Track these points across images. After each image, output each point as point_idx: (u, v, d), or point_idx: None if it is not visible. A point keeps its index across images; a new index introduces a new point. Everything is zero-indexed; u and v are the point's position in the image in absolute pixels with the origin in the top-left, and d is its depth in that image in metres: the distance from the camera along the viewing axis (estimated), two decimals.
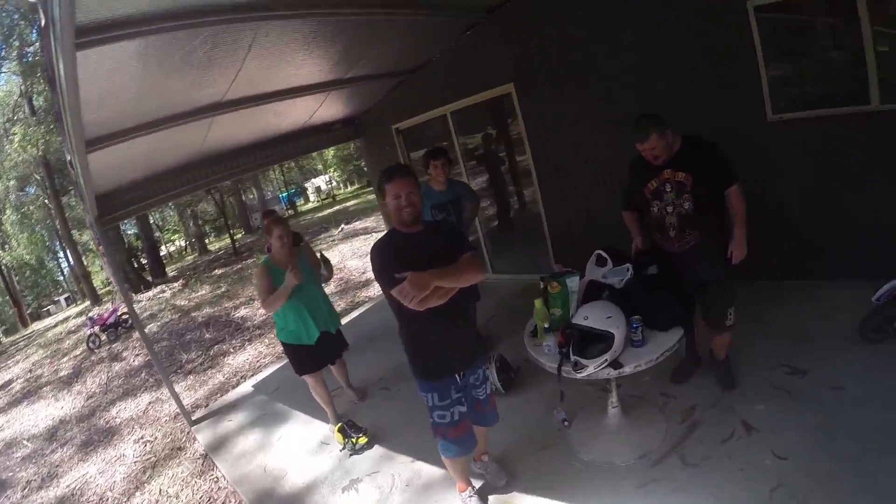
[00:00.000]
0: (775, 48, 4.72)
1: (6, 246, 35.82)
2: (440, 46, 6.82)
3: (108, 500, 5.74)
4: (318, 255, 5.23)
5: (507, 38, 6.28)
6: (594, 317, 3.03)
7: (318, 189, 49.56)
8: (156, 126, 4.77)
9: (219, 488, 5.07)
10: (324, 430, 5.19)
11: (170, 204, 31.16)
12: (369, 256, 2.87)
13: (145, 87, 3.99)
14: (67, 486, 6.45)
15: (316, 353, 4.77)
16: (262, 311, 11.12)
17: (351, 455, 4.63)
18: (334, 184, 49.78)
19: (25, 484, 7.08)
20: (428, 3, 5.16)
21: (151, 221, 30.46)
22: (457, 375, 3.04)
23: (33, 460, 7.84)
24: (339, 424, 4.77)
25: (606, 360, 2.99)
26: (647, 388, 4.19)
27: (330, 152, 41.06)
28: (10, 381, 14.32)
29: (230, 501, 4.82)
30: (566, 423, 3.99)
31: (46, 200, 28.75)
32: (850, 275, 4.66)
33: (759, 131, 4.85)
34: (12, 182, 28.53)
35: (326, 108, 7.35)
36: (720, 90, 4.96)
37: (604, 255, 3.60)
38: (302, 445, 5.12)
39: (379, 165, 8.75)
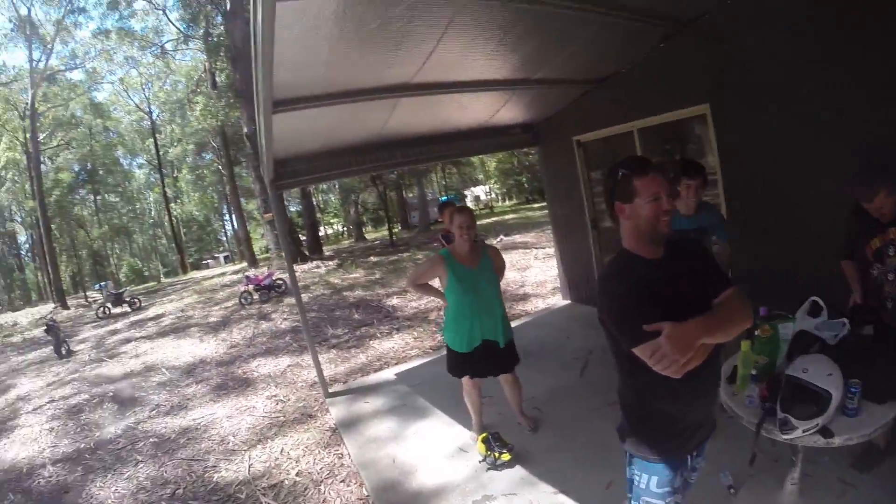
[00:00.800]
0: None
1: (178, 200, 40.96)
2: (632, 56, 6.35)
3: (228, 443, 5.96)
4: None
5: (706, 53, 5.64)
6: (815, 371, 2.55)
7: (476, 198, 50.20)
8: (343, 98, 4.75)
9: (342, 465, 5.03)
10: (465, 436, 4.95)
11: (334, 186, 33.19)
12: (601, 289, 2.11)
13: (339, 53, 3.94)
14: (193, 420, 6.84)
15: (471, 360, 4.43)
16: (413, 304, 11.48)
17: (489, 469, 4.34)
18: (493, 195, 50.16)
19: (155, 406, 7.68)
20: (625, 5, 4.80)
21: (314, 202, 32.36)
22: (689, 456, 2.27)
23: (168, 388, 8.50)
24: (484, 434, 4.50)
25: (818, 424, 2.50)
26: (825, 470, 3.52)
27: (492, 164, 41.56)
28: (161, 315, 15.83)
29: (351, 481, 4.75)
30: (732, 490, 3.50)
31: (220, 167, 32.22)
32: None
33: None
34: (191, 146, 33.16)
35: (508, 110, 7.15)
36: None
37: (820, 303, 3.12)
38: (438, 446, 4.91)
39: (556, 177, 8.51)
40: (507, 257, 15.53)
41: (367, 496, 4.44)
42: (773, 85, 5.14)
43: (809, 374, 2.55)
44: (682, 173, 4.19)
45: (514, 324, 8.20)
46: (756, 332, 3.04)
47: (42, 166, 31.92)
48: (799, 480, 3.17)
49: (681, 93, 6.09)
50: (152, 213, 47.96)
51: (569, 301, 9.11)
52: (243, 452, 5.64)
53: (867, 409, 2.66)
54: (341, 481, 4.78)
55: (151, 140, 39.09)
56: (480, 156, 29.48)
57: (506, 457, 4.32)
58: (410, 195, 38.92)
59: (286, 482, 4.95)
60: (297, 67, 3.88)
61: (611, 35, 5.41)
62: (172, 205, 41.46)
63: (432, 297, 4.77)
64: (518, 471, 4.28)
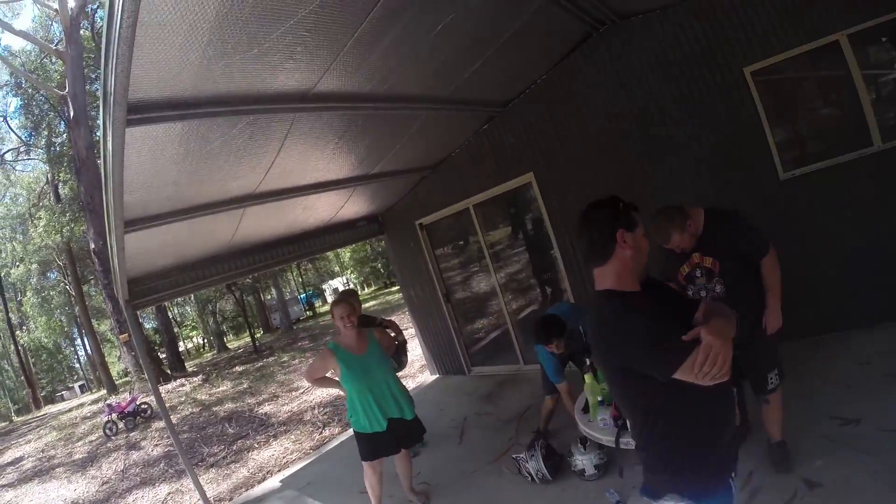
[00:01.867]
0: (777, 109, 5.04)
1: (24, 327, 36.85)
2: (460, 141, 7.12)
3: None
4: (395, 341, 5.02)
5: (524, 129, 6.56)
6: None
7: (335, 290, 49.99)
8: (191, 213, 4.90)
9: None
10: None
11: (190, 298, 31.70)
12: (610, 335, 1.93)
13: (185, 172, 4.15)
14: None
15: (383, 440, 4.51)
16: (286, 407, 11.41)
17: None
18: (351, 285, 50.21)
19: None
20: (449, 98, 5.43)
21: (170, 316, 30.77)
22: (730, 478, 2.03)
23: None
24: None
25: None
26: None
27: (347, 254, 41.72)
28: (20, 458, 14.32)
29: None
30: (620, 503, 3.86)
31: (67, 287, 29.65)
32: (885, 318, 4.71)
33: (774, 192, 5.04)
34: (34, 266, 30.08)
35: (352, 205, 7.54)
36: (731, 156, 5.19)
37: None
38: None
39: (405, 261, 8.87)
40: None
41: None
42: (583, 147, 6.19)
43: None
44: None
45: None
46: (594, 364, 3.48)
47: None
48: None
49: (507, 166, 6.89)
50: None
51: (437, 375, 9.37)
52: None
53: None
54: None
55: None
56: (330, 251, 29.63)
57: None
58: (269, 297, 38.14)
59: None
60: (146, 187, 4.01)
61: (437, 125, 6.03)
62: (18, 333, 37.30)
63: (332, 389, 4.77)
64: None
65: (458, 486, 5.03)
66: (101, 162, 3.25)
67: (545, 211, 6.69)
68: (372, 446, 4.52)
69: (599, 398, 3.33)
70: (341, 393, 4.59)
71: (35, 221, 24.51)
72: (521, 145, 6.65)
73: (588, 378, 3.42)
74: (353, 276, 48.92)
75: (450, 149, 7.25)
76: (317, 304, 45.31)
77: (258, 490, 6.79)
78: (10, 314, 35.84)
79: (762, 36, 4.84)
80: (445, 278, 8.58)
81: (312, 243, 7.93)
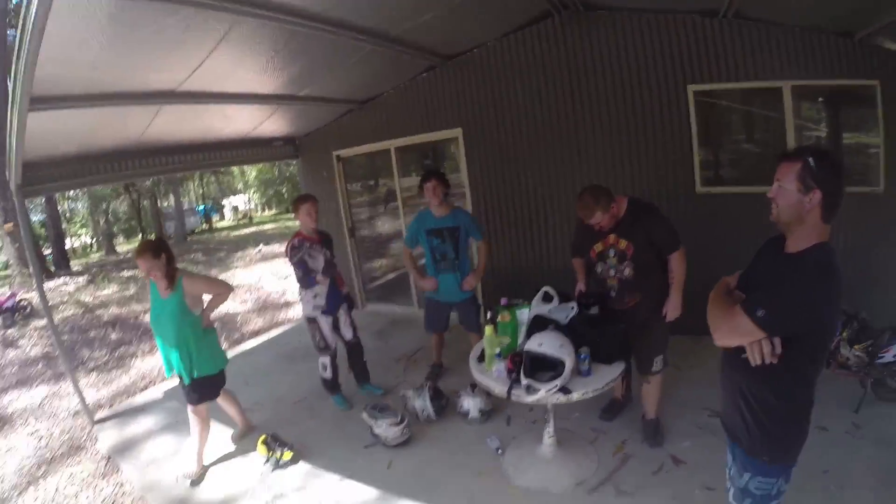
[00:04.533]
0: (709, 129, 5.42)
1: None
2: (395, 82, 7.04)
3: None
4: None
5: (462, 86, 6.58)
6: (548, 343, 3.20)
7: (235, 208, 48.60)
8: (106, 100, 4.61)
9: (123, 493, 4.66)
10: (244, 441, 4.91)
11: (82, 193, 29.75)
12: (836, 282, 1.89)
13: (107, 55, 3.85)
14: None
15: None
16: None
17: (274, 470, 4.42)
18: (253, 205, 48.88)
19: None
20: (396, 38, 5.35)
21: (59, 211, 28.90)
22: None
23: None
24: (263, 437, 4.57)
25: (557, 385, 3.13)
26: (578, 424, 4.37)
27: (252, 173, 40.45)
28: None
29: None
30: (500, 451, 4.11)
31: None
32: None
33: (689, 201, 5.40)
34: None
35: (272, 122, 7.34)
36: (657, 160, 5.53)
37: (550, 292, 3.82)
38: (219, 456, 4.79)
39: (314, 190, 8.75)
40: (268, 267, 15.60)
41: None
42: (516, 117, 6.29)
43: (544, 347, 3.19)
44: (422, 181, 5.01)
45: (278, 331, 8.36)
46: (497, 319, 3.68)
47: None
48: (555, 433, 3.90)
49: (438, 117, 6.90)
50: None
51: None
52: (14, 499, 4.92)
53: (598, 370, 3.40)
54: None
55: None
56: (241, 165, 28.60)
57: (287, 455, 4.45)
58: (166, 204, 36.49)
59: None
60: (61, 63, 3.70)
61: (378, 61, 5.88)
62: None
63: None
64: (302, 466, 4.44)
65: (340, 420, 5.12)
66: (14, 30, 3.00)
67: (466, 169, 6.79)
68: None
69: (497, 350, 3.49)
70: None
71: None
72: (455, 100, 6.67)
73: (489, 330, 3.57)
74: (255, 195, 47.47)
75: (383, 88, 7.17)
76: (214, 219, 43.89)
77: (140, 399, 6.61)
78: None
79: (714, 62, 5.14)
80: (353, 213, 8.57)
81: (225, 155, 7.71)
